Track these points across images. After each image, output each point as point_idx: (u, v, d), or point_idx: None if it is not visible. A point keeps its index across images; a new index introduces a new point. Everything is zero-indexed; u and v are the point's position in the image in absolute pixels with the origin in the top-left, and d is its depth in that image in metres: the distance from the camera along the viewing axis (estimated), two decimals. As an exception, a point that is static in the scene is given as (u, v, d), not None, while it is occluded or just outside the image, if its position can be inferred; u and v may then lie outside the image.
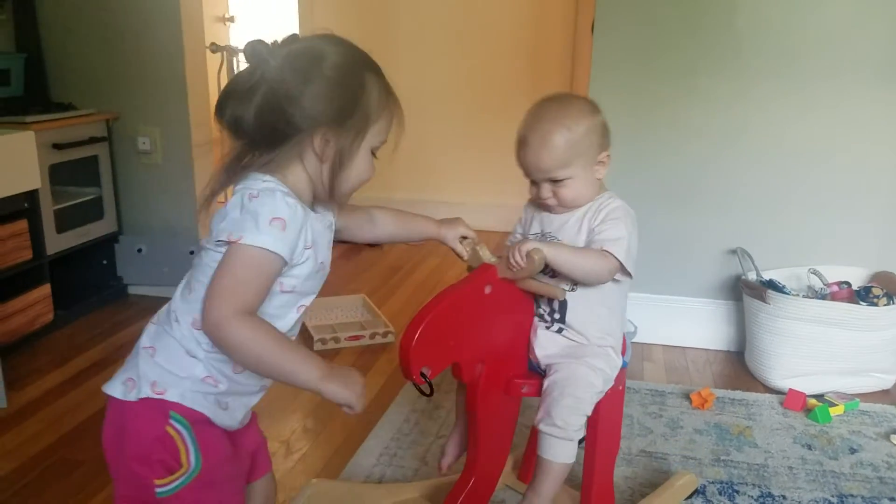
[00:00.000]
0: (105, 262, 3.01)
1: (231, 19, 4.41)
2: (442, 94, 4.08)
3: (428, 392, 1.31)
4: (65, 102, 2.90)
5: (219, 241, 1.05)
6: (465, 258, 1.44)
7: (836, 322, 2.22)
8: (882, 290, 2.28)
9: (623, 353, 1.59)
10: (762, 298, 2.31)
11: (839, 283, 2.34)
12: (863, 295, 2.29)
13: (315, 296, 1.18)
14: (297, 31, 1.12)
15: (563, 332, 1.49)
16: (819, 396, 2.24)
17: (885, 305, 2.24)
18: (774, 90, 2.44)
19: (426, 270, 3.47)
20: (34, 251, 2.57)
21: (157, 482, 1.08)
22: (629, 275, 1.46)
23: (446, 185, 4.23)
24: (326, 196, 1.14)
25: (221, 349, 1.05)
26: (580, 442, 1.45)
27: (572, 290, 1.47)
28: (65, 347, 2.57)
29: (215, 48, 3.31)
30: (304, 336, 2.67)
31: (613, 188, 2.54)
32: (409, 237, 1.46)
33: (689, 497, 1.76)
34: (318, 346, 2.57)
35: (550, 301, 1.49)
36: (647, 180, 2.58)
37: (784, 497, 1.77)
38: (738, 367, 2.52)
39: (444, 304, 1.31)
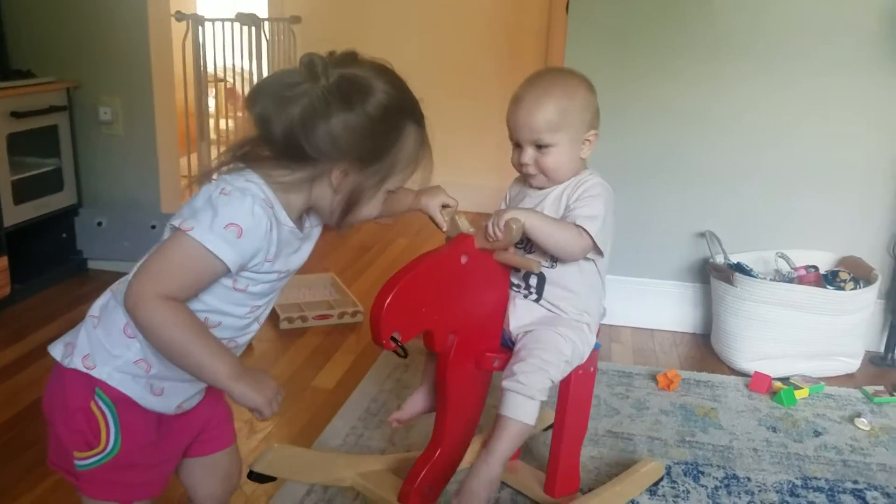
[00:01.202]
0: (64, 235, 2.93)
1: (198, -11, 4.31)
2: (415, 74, 4.01)
3: (403, 354, 1.29)
4: (24, 69, 2.80)
5: (172, 225, 1.02)
6: (444, 228, 1.43)
7: (802, 306, 2.24)
8: (849, 274, 2.30)
9: (598, 335, 1.58)
10: (729, 281, 2.32)
11: (806, 267, 2.36)
12: (830, 279, 2.31)
13: (272, 297, 1.17)
14: (355, 51, 1.09)
15: (541, 302, 1.49)
16: (784, 379, 2.25)
17: (851, 290, 2.26)
18: (746, 72, 2.43)
19: (396, 249, 3.44)
20: (-10, 223, 2.50)
21: (76, 454, 1.08)
22: (601, 253, 1.45)
23: (438, 165, 4.17)
24: (333, 224, 1.14)
25: (137, 328, 1.02)
26: (547, 429, 1.43)
27: (552, 266, 1.47)
28: (22, 322, 2.50)
29: (180, 16, 3.22)
30: (270, 314, 2.62)
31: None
32: (391, 211, 1.40)
33: (655, 484, 1.74)
34: (284, 325, 2.53)
35: (527, 277, 1.49)
36: (617, 161, 2.56)
37: (748, 479, 1.78)
38: (705, 349, 2.53)
39: (419, 270, 1.30)
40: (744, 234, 2.53)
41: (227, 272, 1.03)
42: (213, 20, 3.54)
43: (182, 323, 1.00)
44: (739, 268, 2.35)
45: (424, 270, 1.31)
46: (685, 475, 1.78)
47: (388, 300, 1.26)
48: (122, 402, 1.07)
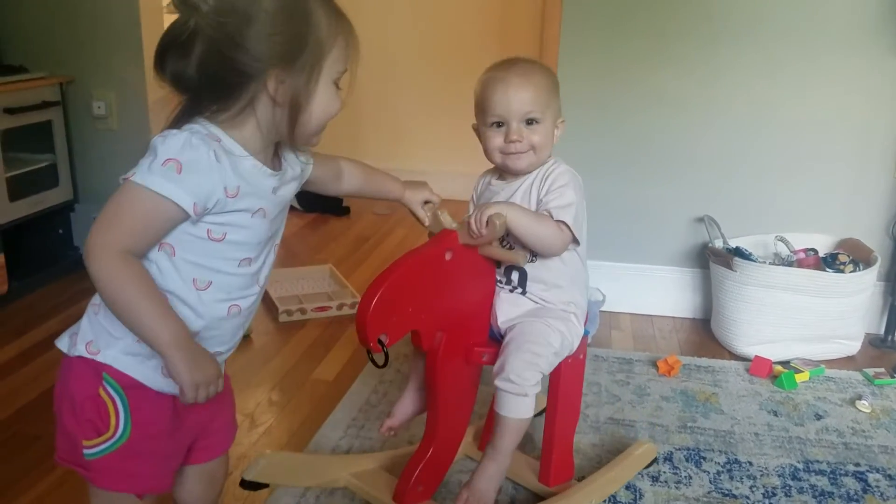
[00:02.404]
0: (61, 231, 2.92)
1: (190, -19, 4.28)
2: (409, 57, 4.00)
3: (381, 363, 1.27)
4: (16, 65, 2.78)
5: (119, 180, 1.00)
6: (426, 224, 1.43)
7: (802, 289, 2.23)
8: (848, 256, 2.30)
9: (585, 323, 1.57)
10: (729, 266, 2.31)
11: (806, 250, 2.35)
12: (829, 262, 2.30)
13: (267, 254, 1.12)
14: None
15: (528, 295, 1.48)
16: (785, 363, 2.25)
17: (851, 272, 2.26)
18: (743, 56, 2.42)
19: (394, 241, 3.43)
20: (-15, 220, 2.49)
21: (85, 443, 1.05)
22: (578, 242, 1.45)
23: (415, 151, 4.16)
24: (287, 140, 1.07)
25: (92, 280, 0.97)
26: (538, 415, 1.43)
27: (532, 261, 1.46)
28: (20, 320, 2.49)
29: (173, 8, 3.20)
30: (269, 307, 2.62)
31: (581, 153, 2.55)
32: (374, 194, 1.42)
33: (649, 466, 1.74)
34: (283, 318, 2.52)
35: (509, 273, 1.48)
36: (615, 146, 2.56)
37: (750, 463, 1.78)
38: (705, 334, 2.53)
39: (403, 270, 1.28)
40: (742, 219, 2.52)
41: (182, 214, 0.98)
42: (205, 12, 3.51)
43: (129, 278, 0.96)
44: (739, 252, 2.35)
45: (408, 269, 1.29)
46: (687, 461, 1.78)
47: (374, 302, 1.23)
48: (132, 388, 1.05)
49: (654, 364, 2.24)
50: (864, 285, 2.28)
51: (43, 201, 2.78)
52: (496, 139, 1.45)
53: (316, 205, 3.80)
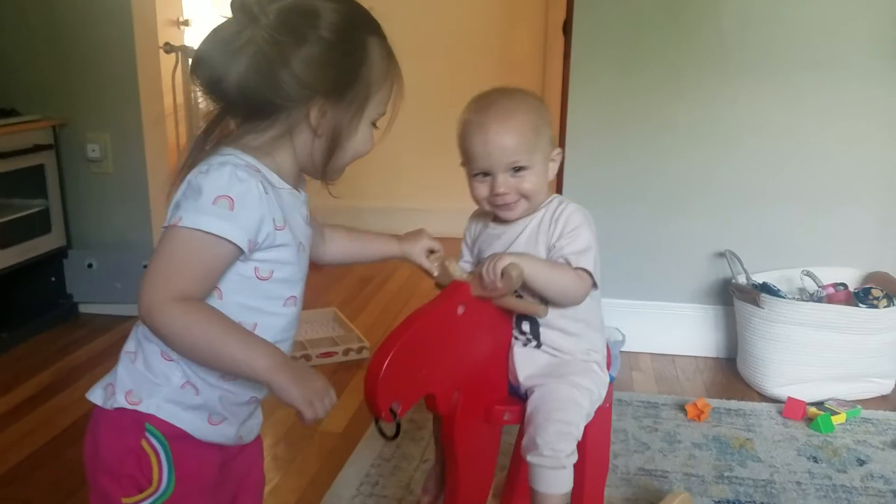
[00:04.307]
0: (53, 278, 2.80)
1: (186, 23, 4.21)
2: (411, 98, 3.92)
3: (392, 434, 1.14)
4: (7, 108, 2.69)
5: (163, 227, 0.93)
6: (435, 275, 1.30)
7: (835, 326, 2.13)
8: (882, 291, 2.19)
9: (608, 368, 1.45)
10: (755, 302, 2.20)
11: (835, 285, 2.25)
12: (861, 297, 2.20)
13: (302, 285, 1.05)
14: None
15: (543, 348, 1.34)
16: (818, 404, 2.13)
17: (885, 307, 2.15)
18: (761, 87, 2.35)
19: (399, 280, 3.33)
20: (-26, 269, 2.38)
21: (124, 500, 0.97)
22: (596, 286, 1.31)
23: (418, 191, 4.09)
24: (318, 173, 1.02)
25: (158, 338, 0.93)
26: None
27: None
28: (11, 373, 2.37)
29: (169, 48, 3.12)
30: (272, 354, 2.50)
31: (595, 187, 2.46)
32: (367, 257, 1.31)
33: None
34: (287, 365, 2.40)
35: (520, 321, 1.34)
36: (630, 182, 2.47)
37: (795, 516, 1.66)
38: (730, 374, 2.41)
39: (413, 330, 1.15)
40: (764, 253, 2.42)
41: (237, 252, 0.92)
42: (202, 52, 3.44)
43: (203, 320, 0.90)
44: (766, 288, 2.24)
45: (420, 329, 1.16)
46: (727, 514, 1.66)
47: (384, 367, 1.10)
48: (176, 438, 0.97)
49: (682, 408, 2.12)
50: (897, 321, 2.17)
51: (34, 248, 2.67)
52: (482, 189, 1.31)
53: (317, 246, 3.69)
